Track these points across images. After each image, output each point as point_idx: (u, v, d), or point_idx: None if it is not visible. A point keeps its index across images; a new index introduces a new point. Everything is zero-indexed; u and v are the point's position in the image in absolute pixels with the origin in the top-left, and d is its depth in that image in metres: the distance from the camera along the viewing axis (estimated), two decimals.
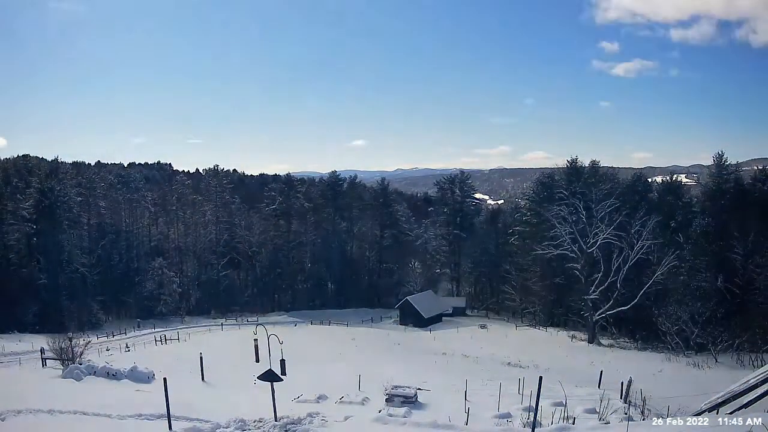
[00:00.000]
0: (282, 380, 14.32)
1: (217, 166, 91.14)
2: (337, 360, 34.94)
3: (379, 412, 17.27)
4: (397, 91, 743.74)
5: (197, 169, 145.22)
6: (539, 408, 11.64)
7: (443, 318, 66.81)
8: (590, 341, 49.32)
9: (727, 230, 52.94)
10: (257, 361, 22.81)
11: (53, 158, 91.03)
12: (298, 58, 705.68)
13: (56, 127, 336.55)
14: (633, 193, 63.71)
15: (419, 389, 21.50)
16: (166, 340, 48.40)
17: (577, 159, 69.04)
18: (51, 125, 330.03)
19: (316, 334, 53.61)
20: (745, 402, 13.05)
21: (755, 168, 70.72)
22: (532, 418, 12.45)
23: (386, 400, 19.75)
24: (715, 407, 13.82)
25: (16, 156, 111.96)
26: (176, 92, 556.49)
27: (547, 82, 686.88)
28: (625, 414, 18.32)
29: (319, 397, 20.20)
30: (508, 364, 37.95)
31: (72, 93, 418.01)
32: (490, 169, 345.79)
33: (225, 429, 12.98)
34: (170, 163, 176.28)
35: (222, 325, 61.84)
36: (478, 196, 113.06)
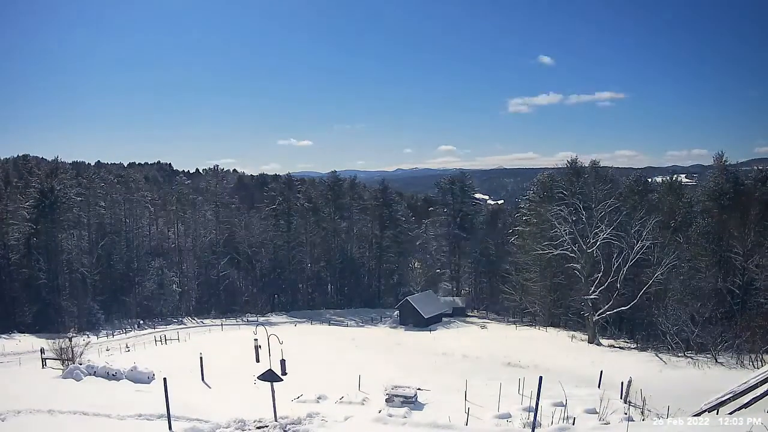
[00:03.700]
0: (282, 380, 14.32)
1: (217, 166, 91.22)
2: (337, 360, 34.93)
3: (379, 412, 17.30)
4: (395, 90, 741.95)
5: (197, 169, 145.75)
6: (539, 408, 11.64)
7: (443, 318, 66.75)
8: (590, 341, 49.24)
9: (727, 230, 52.89)
10: (257, 361, 22.78)
11: (53, 158, 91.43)
12: (299, 57, 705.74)
13: (56, 127, 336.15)
14: (633, 193, 63.64)
15: (419, 389, 21.51)
16: (166, 340, 48.38)
17: (577, 159, 69.17)
18: (51, 125, 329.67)
19: (316, 334, 53.58)
20: (745, 402, 13.04)
21: (755, 168, 70.59)
22: (532, 418, 12.45)
23: (386, 400, 19.77)
24: (715, 407, 13.80)
25: (16, 156, 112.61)
26: (177, 91, 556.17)
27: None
28: (625, 414, 18.37)
29: (319, 397, 20.22)
30: (508, 364, 37.93)
31: (72, 93, 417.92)
32: (490, 169, 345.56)
33: (225, 429, 13.00)
34: (170, 163, 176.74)
35: (222, 325, 61.82)
36: (478, 196, 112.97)
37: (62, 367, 23.60)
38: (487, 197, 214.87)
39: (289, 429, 13.17)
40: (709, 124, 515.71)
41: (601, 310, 49.94)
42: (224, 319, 67.03)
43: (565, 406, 17.95)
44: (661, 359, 40.19)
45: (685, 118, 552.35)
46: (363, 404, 19.55)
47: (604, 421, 16.48)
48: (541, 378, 11.19)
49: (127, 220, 74.80)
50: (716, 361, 38.66)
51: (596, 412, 18.12)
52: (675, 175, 76.04)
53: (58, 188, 65.40)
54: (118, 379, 21.88)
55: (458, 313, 70.16)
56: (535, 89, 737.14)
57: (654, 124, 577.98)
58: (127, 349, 41.60)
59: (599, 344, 48.51)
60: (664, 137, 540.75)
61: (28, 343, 47.78)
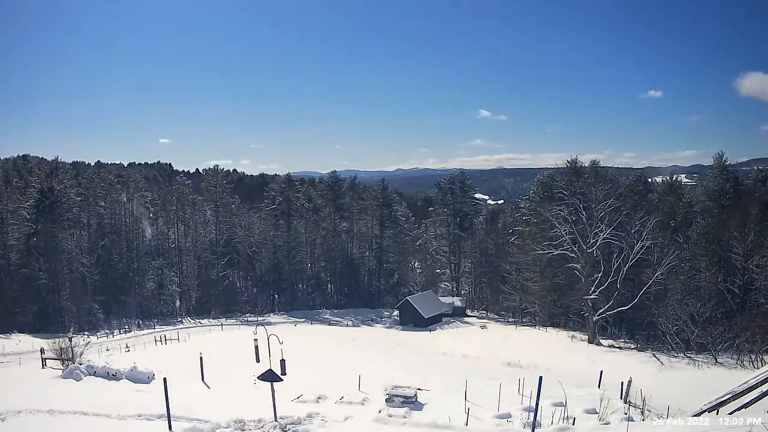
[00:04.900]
0: (282, 380, 14.32)
1: (217, 166, 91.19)
2: (337, 360, 34.91)
3: (379, 412, 17.29)
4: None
5: (197, 169, 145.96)
6: (539, 408, 11.65)
7: (443, 318, 66.76)
8: (590, 341, 49.26)
9: (727, 230, 52.92)
10: (257, 361, 22.80)
11: (53, 158, 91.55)
12: (300, 58, 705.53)
13: (56, 127, 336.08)
14: (633, 193, 63.67)
15: (419, 389, 21.49)
16: (166, 340, 48.36)
17: (577, 159, 69.20)
18: (51, 125, 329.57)
19: (316, 334, 53.58)
20: (745, 402, 13.05)
21: (755, 168, 70.57)
22: (532, 418, 12.46)
23: (386, 400, 19.74)
24: (715, 407, 13.82)
25: (16, 156, 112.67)
26: (177, 91, 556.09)
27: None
28: (625, 414, 18.35)
29: (319, 397, 20.19)
30: (508, 364, 37.93)
31: (72, 92, 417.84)
32: (491, 169, 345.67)
33: (225, 429, 13.01)
34: (170, 163, 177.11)
35: (222, 325, 61.84)
36: (478, 196, 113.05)
37: (62, 367, 23.58)
38: (487, 197, 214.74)
39: (289, 429, 13.18)
40: (709, 124, 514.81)
41: (601, 310, 49.96)
42: (224, 319, 67.04)
43: (565, 406, 17.93)
44: (661, 359, 40.18)
45: (682, 119, 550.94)
46: (363, 404, 19.53)
47: (604, 421, 16.48)
48: (541, 378, 11.19)
49: (127, 220, 74.80)
50: (716, 361, 38.67)
51: (596, 412, 18.11)
52: (675, 175, 76.03)
53: (58, 188, 65.44)
54: (118, 379, 21.87)
55: (458, 313, 70.16)
56: (534, 88, 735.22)
57: (651, 125, 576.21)
58: (127, 349, 41.57)
59: (599, 344, 48.53)
60: (662, 138, 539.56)
61: (28, 343, 47.76)
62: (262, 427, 13.25)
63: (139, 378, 22.02)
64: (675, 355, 41.82)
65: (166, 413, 12.64)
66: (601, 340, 49.87)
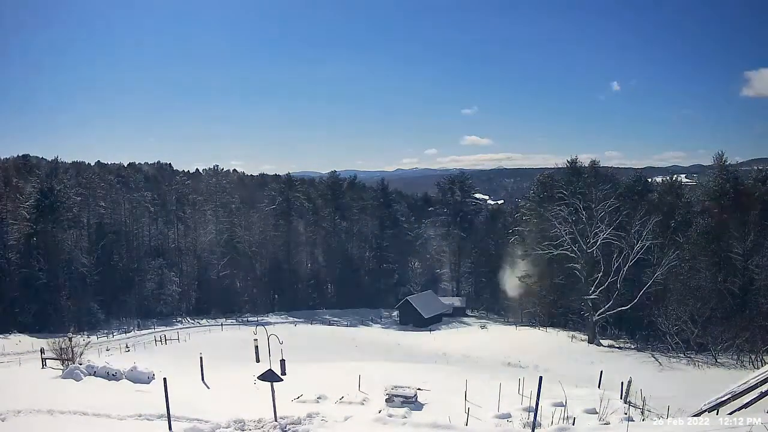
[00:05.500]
0: (282, 380, 14.32)
1: (217, 166, 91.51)
2: (337, 360, 34.91)
3: (379, 412, 17.27)
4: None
5: (197, 169, 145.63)
6: (539, 408, 11.65)
7: (443, 318, 66.82)
8: (590, 341, 49.29)
9: (727, 230, 52.93)
10: (257, 361, 22.83)
11: (53, 158, 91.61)
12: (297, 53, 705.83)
13: (56, 127, 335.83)
14: (633, 193, 63.68)
15: (419, 389, 21.47)
16: (166, 340, 48.39)
17: (577, 159, 69.26)
18: (51, 125, 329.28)
19: (316, 334, 53.61)
20: (745, 402, 13.03)
21: (755, 168, 70.58)
22: (532, 419, 12.46)
23: (386, 400, 19.73)
24: (715, 407, 13.80)
25: (16, 156, 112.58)
26: (177, 91, 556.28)
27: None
28: (625, 414, 18.34)
29: (319, 397, 20.17)
30: (508, 364, 37.96)
31: (72, 92, 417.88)
32: (491, 169, 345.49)
33: (225, 429, 13.01)
34: (170, 163, 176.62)
35: (222, 325, 61.84)
36: (478, 196, 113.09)
37: (62, 367, 23.55)
38: (487, 197, 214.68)
39: (289, 429, 13.18)
40: (709, 123, 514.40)
41: (601, 310, 49.98)
42: (224, 319, 67.03)
43: (565, 406, 17.94)
44: (660, 360, 40.21)
45: (681, 118, 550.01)
46: (363, 404, 19.51)
47: (604, 421, 16.48)
48: (541, 378, 11.19)
49: (127, 220, 74.80)
50: (716, 361, 38.70)
51: (596, 412, 18.11)
52: (675, 175, 76.08)
53: (58, 188, 65.42)
54: (118, 379, 21.83)
55: (458, 313, 70.23)
56: (527, 87, 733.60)
57: (648, 124, 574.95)
58: (127, 349, 41.59)
59: (599, 344, 48.54)
60: (661, 138, 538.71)
61: (28, 343, 47.75)
62: (262, 427, 13.24)
63: (139, 378, 21.99)
64: (675, 355, 41.83)
65: (166, 413, 12.64)
66: (601, 340, 49.87)
